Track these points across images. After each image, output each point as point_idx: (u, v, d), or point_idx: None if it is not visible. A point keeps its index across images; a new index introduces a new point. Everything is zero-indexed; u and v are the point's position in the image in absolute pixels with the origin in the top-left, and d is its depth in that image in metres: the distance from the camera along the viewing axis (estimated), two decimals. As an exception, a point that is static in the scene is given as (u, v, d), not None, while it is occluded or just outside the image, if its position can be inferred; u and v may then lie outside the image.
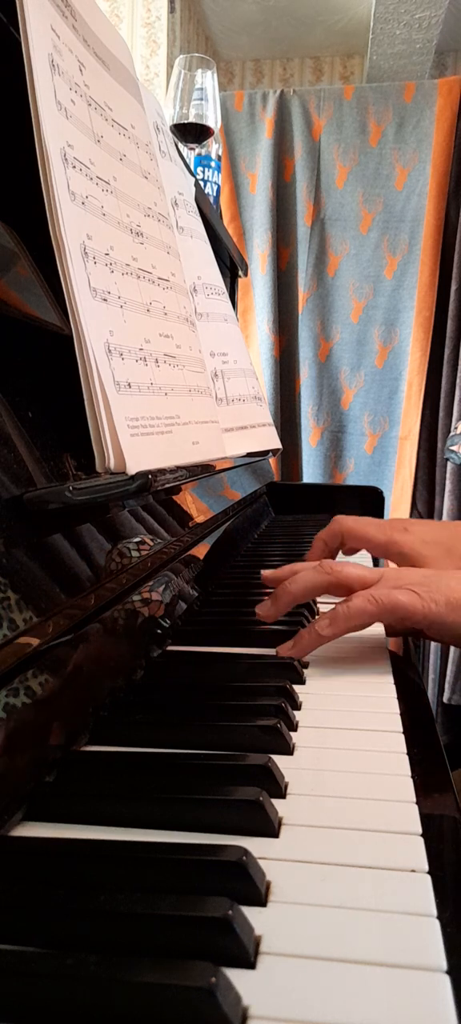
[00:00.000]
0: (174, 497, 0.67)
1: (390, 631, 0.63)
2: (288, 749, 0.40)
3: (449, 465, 2.20)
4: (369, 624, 0.55)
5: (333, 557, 0.74)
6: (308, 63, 3.85)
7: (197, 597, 0.67)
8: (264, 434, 0.90)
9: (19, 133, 0.47)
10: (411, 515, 2.24)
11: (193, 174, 0.99)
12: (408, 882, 0.28)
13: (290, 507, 1.39)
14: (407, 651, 0.62)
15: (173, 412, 0.56)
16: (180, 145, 1.26)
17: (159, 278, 0.61)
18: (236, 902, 0.24)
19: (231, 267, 1.42)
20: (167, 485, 0.53)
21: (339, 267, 2.31)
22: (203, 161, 1.35)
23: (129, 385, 0.49)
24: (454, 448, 1.93)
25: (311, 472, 2.35)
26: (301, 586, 0.57)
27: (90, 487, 0.42)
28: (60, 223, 0.45)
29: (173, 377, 0.59)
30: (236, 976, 0.23)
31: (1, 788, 0.31)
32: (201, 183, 1.30)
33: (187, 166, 0.94)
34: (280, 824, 0.32)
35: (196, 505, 0.74)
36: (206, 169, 1.36)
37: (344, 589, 0.57)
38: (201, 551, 0.72)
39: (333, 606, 0.55)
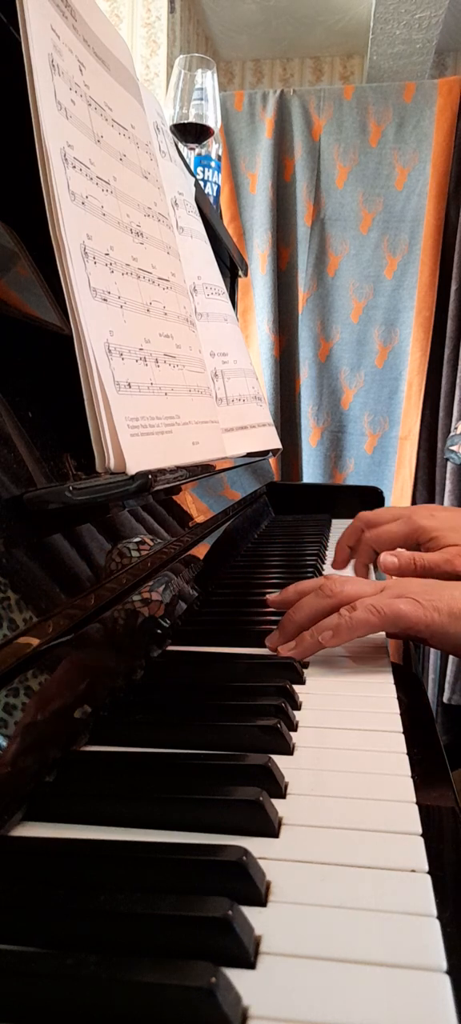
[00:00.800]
0: (174, 497, 0.67)
1: (392, 636, 0.63)
2: (288, 749, 0.40)
3: (449, 465, 2.20)
4: (372, 633, 0.55)
5: (368, 565, 0.75)
6: (308, 63, 3.85)
7: (197, 597, 0.67)
8: (264, 434, 0.90)
9: (19, 133, 0.47)
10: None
11: (193, 174, 0.99)
12: (408, 882, 0.28)
13: (290, 507, 1.39)
14: (407, 651, 0.62)
15: (173, 412, 0.56)
16: (180, 145, 1.26)
17: (159, 278, 0.61)
18: (236, 902, 0.25)
19: (231, 267, 1.42)
20: (167, 485, 0.53)
21: (339, 267, 2.31)
22: (203, 161, 1.35)
23: (129, 385, 0.49)
24: (454, 448, 1.93)
25: (311, 472, 2.35)
26: (305, 615, 0.57)
27: (90, 487, 0.42)
28: (60, 223, 0.45)
29: (173, 377, 0.59)
30: (236, 976, 0.23)
31: (1, 788, 0.31)
32: (201, 183, 1.30)
33: (187, 166, 0.94)
34: (280, 824, 0.32)
35: (196, 505, 0.74)
36: (206, 169, 1.36)
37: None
38: (201, 551, 0.72)
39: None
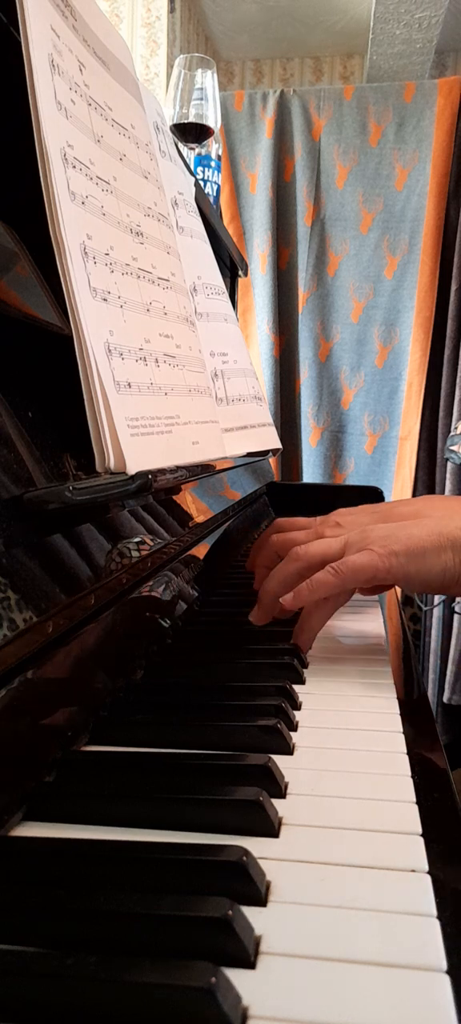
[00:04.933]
0: (174, 497, 0.67)
1: (367, 593, 0.64)
2: (288, 749, 0.40)
3: (449, 465, 2.20)
4: (336, 592, 0.55)
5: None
6: (308, 63, 3.85)
7: (197, 597, 0.67)
8: (264, 434, 0.90)
9: (19, 133, 0.47)
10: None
11: (193, 174, 0.99)
12: (408, 882, 0.28)
13: (290, 507, 1.39)
14: (407, 651, 0.62)
15: (173, 412, 0.56)
16: (180, 145, 1.26)
17: (159, 278, 0.61)
18: (236, 902, 0.24)
19: (231, 267, 1.42)
20: (167, 485, 0.53)
21: (339, 267, 2.31)
22: (203, 161, 1.35)
23: (129, 385, 0.49)
24: (454, 448, 1.93)
25: (311, 472, 2.35)
26: (277, 582, 0.58)
27: (90, 487, 0.42)
28: (60, 223, 0.45)
29: (173, 377, 0.59)
30: (236, 976, 0.23)
31: (1, 788, 0.31)
32: (201, 183, 1.30)
33: (187, 166, 0.94)
34: (280, 824, 0.32)
35: (196, 505, 0.74)
36: (206, 169, 1.36)
37: (317, 568, 0.57)
38: (201, 551, 0.72)
39: None
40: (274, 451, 0.97)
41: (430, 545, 0.53)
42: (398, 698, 0.49)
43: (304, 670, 0.53)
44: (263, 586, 0.59)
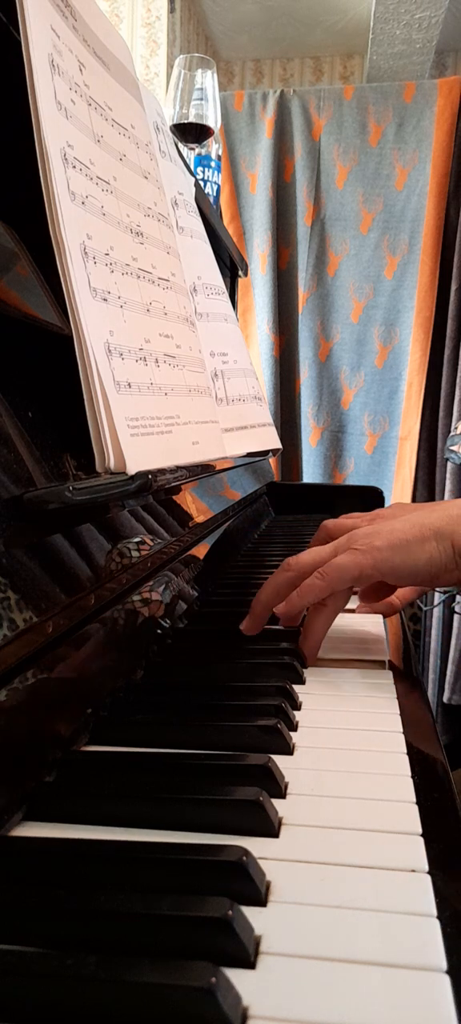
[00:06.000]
0: (174, 497, 0.67)
1: (365, 596, 0.66)
2: (288, 749, 0.40)
3: (449, 465, 2.20)
4: (325, 595, 0.55)
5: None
6: (308, 63, 3.85)
7: (197, 597, 0.67)
8: (264, 434, 0.90)
9: (19, 133, 0.47)
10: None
11: (193, 174, 0.99)
12: (408, 882, 0.28)
13: (290, 507, 1.39)
14: (407, 651, 0.62)
15: (173, 412, 0.56)
16: (180, 145, 1.26)
17: (159, 278, 0.61)
18: (236, 902, 0.24)
19: (231, 267, 1.42)
20: (167, 485, 0.53)
21: (339, 267, 2.31)
22: (203, 161, 1.35)
23: (129, 385, 0.49)
24: (454, 448, 1.93)
25: (311, 472, 2.35)
26: (268, 592, 0.58)
27: (90, 487, 0.42)
28: (60, 223, 0.45)
29: (173, 377, 0.59)
30: (236, 976, 0.23)
31: (1, 788, 0.31)
32: (201, 183, 1.30)
33: (187, 166, 0.94)
34: (280, 824, 0.32)
35: (196, 505, 0.74)
36: (206, 169, 1.36)
37: (308, 576, 0.57)
38: (201, 551, 0.72)
39: None
40: (274, 451, 0.97)
41: (412, 537, 0.53)
42: (398, 698, 0.49)
43: (304, 670, 0.53)
44: (256, 596, 0.59)
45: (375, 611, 0.68)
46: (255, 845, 0.29)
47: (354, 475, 2.34)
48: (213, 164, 1.36)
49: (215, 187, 1.39)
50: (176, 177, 0.83)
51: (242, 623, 0.59)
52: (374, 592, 0.67)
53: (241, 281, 1.71)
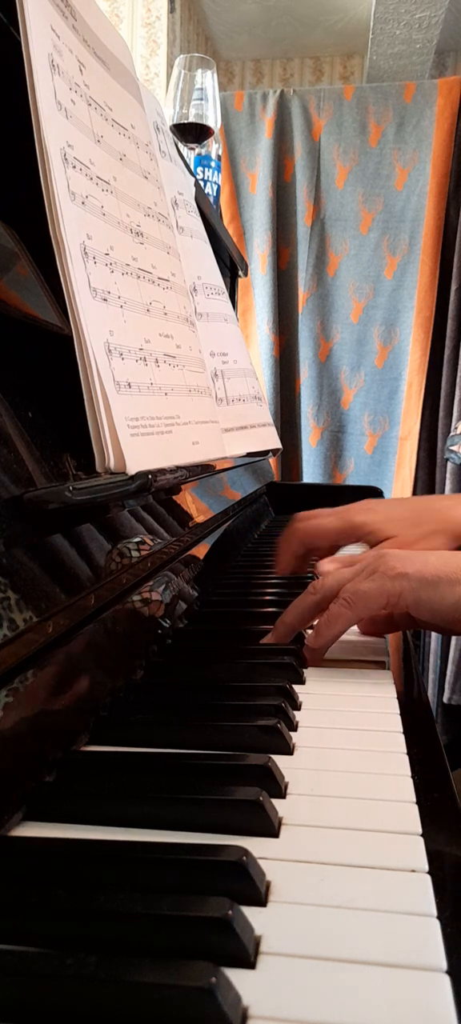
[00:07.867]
0: (174, 497, 0.67)
1: (386, 626, 0.62)
2: (288, 749, 0.40)
3: (449, 465, 2.20)
4: (353, 624, 0.55)
5: (304, 559, 0.73)
6: (308, 63, 3.85)
7: (197, 597, 0.67)
8: (264, 434, 0.90)
9: (19, 133, 0.47)
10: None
11: (193, 174, 0.99)
12: (408, 882, 0.28)
13: (290, 507, 1.38)
14: (407, 651, 0.62)
15: (173, 412, 0.56)
16: (180, 145, 1.26)
17: (159, 278, 0.61)
18: (236, 902, 0.24)
19: (231, 267, 1.42)
20: (167, 485, 0.53)
21: (339, 267, 2.31)
22: (203, 161, 1.35)
23: (129, 385, 0.49)
24: (454, 448, 1.93)
25: (311, 472, 2.35)
26: (293, 615, 0.58)
27: (90, 487, 0.42)
28: (60, 223, 0.45)
29: (173, 377, 0.59)
30: (236, 976, 0.23)
31: (1, 788, 0.31)
32: (201, 183, 1.30)
33: (187, 166, 0.94)
34: (280, 824, 0.32)
35: (196, 505, 0.74)
36: (206, 169, 1.36)
37: (333, 599, 0.56)
38: (201, 551, 0.72)
39: None
40: (274, 451, 0.97)
41: (445, 575, 0.51)
42: (398, 698, 0.49)
43: (304, 670, 0.53)
44: (281, 617, 0.58)
45: (378, 635, 0.65)
46: (255, 845, 0.29)
47: (354, 475, 2.33)
48: (213, 164, 1.36)
49: (215, 187, 1.39)
50: (176, 177, 0.83)
51: (264, 640, 0.58)
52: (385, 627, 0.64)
53: (241, 281, 1.71)
